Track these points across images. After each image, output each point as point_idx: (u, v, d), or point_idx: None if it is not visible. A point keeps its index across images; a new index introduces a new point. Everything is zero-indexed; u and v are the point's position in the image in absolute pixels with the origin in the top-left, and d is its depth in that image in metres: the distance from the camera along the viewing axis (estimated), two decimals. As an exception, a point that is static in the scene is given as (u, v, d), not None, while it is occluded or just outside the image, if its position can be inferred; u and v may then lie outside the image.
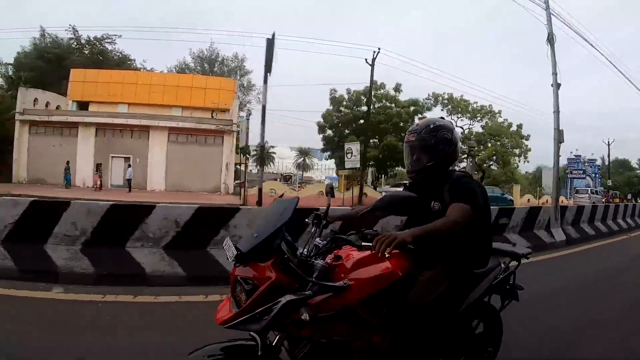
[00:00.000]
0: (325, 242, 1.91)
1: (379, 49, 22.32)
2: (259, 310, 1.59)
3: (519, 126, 35.10)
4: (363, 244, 1.76)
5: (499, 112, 35.61)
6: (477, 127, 36.27)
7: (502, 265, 2.40)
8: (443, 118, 2.25)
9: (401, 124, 29.62)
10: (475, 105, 35.78)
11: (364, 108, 28.13)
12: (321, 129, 33.45)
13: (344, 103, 32.43)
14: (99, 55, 34.54)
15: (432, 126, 2.12)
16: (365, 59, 22.51)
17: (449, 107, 35.66)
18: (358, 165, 22.02)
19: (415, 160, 2.15)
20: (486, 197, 2.08)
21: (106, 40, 35.92)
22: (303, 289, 1.66)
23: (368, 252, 1.84)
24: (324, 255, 1.87)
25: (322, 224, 1.95)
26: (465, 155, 32.69)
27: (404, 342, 1.87)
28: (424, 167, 2.12)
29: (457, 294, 2.07)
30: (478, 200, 1.95)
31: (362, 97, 30.61)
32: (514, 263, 2.55)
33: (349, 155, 22.01)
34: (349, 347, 1.77)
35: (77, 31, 34.10)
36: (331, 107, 32.81)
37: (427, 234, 1.76)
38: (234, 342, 1.73)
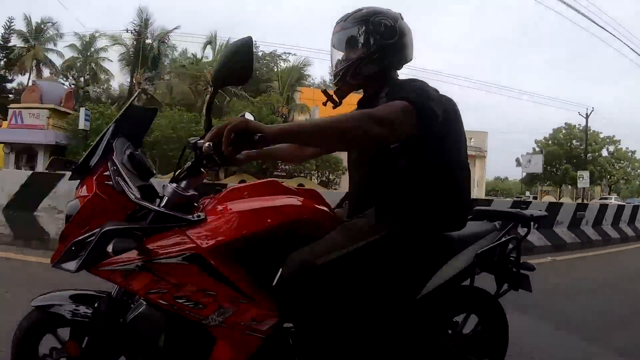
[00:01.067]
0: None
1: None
2: (74, 241, 1.17)
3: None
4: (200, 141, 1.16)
5: (619, 140, 41.40)
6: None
7: (500, 234, 1.50)
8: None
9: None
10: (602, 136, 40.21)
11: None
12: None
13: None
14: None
15: (364, 11, 1.36)
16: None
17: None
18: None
19: (341, 61, 1.38)
20: (454, 111, 1.31)
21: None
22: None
23: (255, 182, 1.35)
24: (190, 181, 1.26)
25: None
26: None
27: (306, 333, 1.19)
28: (350, 64, 1.34)
29: (411, 266, 1.29)
30: (427, 101, 1.16)
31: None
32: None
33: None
34: (202, 324, 1.16)
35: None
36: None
37: (300, 131, 1.04)
38: (84, 291, 1.35)
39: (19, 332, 1.29)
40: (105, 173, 1.18)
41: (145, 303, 1.17)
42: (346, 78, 1.36)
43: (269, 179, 1.37)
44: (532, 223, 1.54)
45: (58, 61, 30.72)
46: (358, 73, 1.34)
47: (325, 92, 1.43)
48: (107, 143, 1.22)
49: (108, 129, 1.24)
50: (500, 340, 1.59)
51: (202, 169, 1.28)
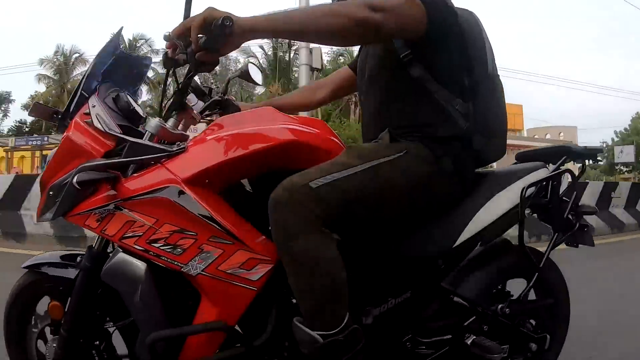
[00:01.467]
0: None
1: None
2: (51, 186, 1.03)
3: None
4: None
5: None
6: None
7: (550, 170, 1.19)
8: None
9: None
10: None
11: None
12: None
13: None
14: None
15: None
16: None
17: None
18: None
19: None
20: (475, 22, 1.14)
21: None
22: None
23: (249, 110, 1.19)
24: (178, 118, 1.11)
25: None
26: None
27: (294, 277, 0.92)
28: None
29: (439, 200, 1.05)
30: None
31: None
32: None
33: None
34: (182, 274, 0.97)
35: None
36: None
37: (291, 22, 0.87)
38: (77, 250, 1.23)
39: (10, 298, 1.17)
40: (85, 112, 1.04)
41: (120, 251, 1.00)
42: None
43: (265, 106, 1.20)
44: (586, 160, 1.26)
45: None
46: None
47: None
48: (89, 85, 1.09)
49: (86, 72, 1.12)
50: (558, 310, 1.26)
51: (186, 103, 1.12)
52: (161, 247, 0.95)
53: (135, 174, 1.00)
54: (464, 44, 1.06)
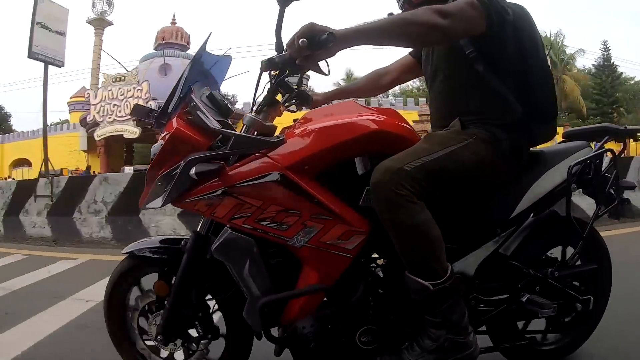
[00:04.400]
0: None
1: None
2: (158, 177, 1.16)
3: None
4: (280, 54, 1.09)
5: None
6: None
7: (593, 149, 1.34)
8: None
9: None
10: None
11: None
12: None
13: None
14: None
15: None
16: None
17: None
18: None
19: None
20: (526, 16, 1.25)
21: None
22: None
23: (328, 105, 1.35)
24: (269, 112, 1.25)
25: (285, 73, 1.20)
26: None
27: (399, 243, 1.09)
28: None
29: (502, 176, 1.21)
30: None
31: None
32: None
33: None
34: (287, 247, 1.13)
35: None
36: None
37: (370, 30, 1.02)
38: (173, 236, 1.38)
39: (111, 282, 1.32)
40: (185, 110, 1.17)
41: (230, 230, 1.15)
42: None
43: (348, 100, 1.33)
44: (627, 137, 1.38)
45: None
46: None
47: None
48: (186, 87, 1.21)
49: (183, 74, 1.23)
50: (602, 275, 1.41)
51: (277, 100, 1.27)
52: (268, 225, 1.10)
53: (237, 163, 1.15)
54: (518, 37, 1.19)
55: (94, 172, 20.32)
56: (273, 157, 1.12)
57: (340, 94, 1.64)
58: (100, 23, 33.11)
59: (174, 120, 1.16)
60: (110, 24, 33.89)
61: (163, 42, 27.90)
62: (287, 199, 1.10)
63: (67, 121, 32.66)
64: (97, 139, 23.08)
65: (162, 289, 1.26)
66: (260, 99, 1.26)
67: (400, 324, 1.20)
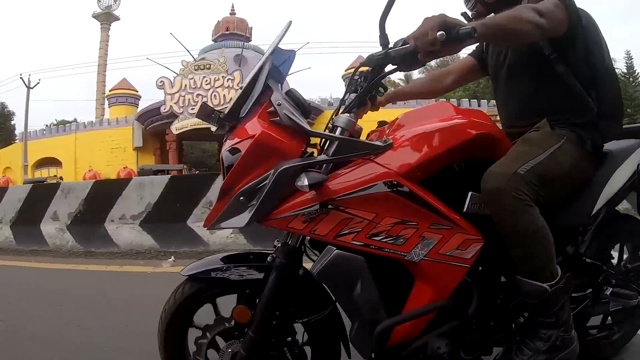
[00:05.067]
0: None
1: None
2: (240, 190, 1.00)
3: None
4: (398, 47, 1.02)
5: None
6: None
7: None
8: None
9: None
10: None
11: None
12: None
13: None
14: None
15: None
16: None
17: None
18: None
19: None
20: (592, 20, 1.28)
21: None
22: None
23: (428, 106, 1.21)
24: (358, 113, 1.15)
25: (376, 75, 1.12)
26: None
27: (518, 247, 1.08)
28: None
29: (588, 174, 1.25)
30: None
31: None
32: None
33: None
34: (399, 263, 1.04)
35: None
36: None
37: (494, 27, 1.02)
38: (240, 251, 1.23)
39: (171, 309, 1.14)
40: (269, 110, 1.03)
41: (335, 249, 1.01)
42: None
43: (441, 101, 1.22)
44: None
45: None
46: None
47: (465, 14, 1.40)
48: (264, 85, 1.07)
49: (262, 71, 1.07)
50: None
51: (366, 100, 1.21)
52: (382, 240, 1.00)
53: (338, 171, 1.03)
54: (589, 41, 1.24)
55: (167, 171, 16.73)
56: (382, 163, 1.03)
57: (400, 95, 1.61)
58: (106, 18, 32.11)
59: (255, 122, 1.03)
60: (117, 19, 32.69)
61: (227, 32, 26.58)
62: (404, 209, 1.01)
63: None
64: (175, 132, 20.83)
65: (243, 314, 1.10)
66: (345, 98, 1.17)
67: (498, 329, 1.18)
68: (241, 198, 1.00)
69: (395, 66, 1.04)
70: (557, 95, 1.27)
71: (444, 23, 0.93)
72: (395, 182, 1.00)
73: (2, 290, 3.07)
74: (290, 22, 1.14)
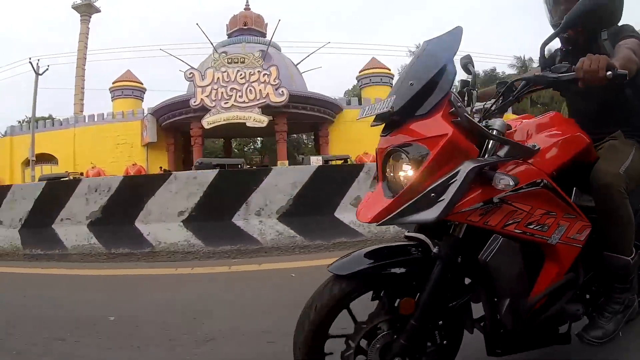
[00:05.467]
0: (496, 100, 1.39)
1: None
2: (431, 187, 1.08)
3: None
4: (560, 74, 1.24)
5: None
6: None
7: None
8: None
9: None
10: None
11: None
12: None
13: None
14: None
15: None
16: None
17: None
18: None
19: (563, 10, 1.59)
20: None
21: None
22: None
23: (543, 116, 1.46)
24: (499, 114, 1.36)
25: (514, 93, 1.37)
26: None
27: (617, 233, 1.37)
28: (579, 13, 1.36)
29: None
30: None
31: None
32: None
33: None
34: (539, 245, 1.25)
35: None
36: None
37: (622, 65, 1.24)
38: (384, 245, 1.26)
39: (319, 307, 1.15)
40: (451, 111, 1.13)
41: (501, 236, 1.17)
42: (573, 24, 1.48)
43: (553, 112, 1.50)
44: None
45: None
46: (583, 20, 1.41)
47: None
48: (450, 84, 1.15)
49: (445, 73, 1.14)
50: None
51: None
52: (534, 228, 1.20)
53: (508, 166, 1.20)
54: None
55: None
56: (536, 164, 1.24)
57: (481, 97, 1.77)
58: (86, 9, 30.78)
59: (441, 121, 1.11)
60: (98, 10, 31.59)
61: (245, 27, 25.80)
62: (549, 202, 1.23)
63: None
64: (207, 126, 20.14)
65: (408, 305, 1.17)
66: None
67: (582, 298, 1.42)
68: (432, 194, 1.08)
69: (551, 88, 1.36)
70: (625, 112, 1.58)
71: (610, 64, 1.16)
72: (545, 181, 1.23)
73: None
74: (460, 28, 1.23)
